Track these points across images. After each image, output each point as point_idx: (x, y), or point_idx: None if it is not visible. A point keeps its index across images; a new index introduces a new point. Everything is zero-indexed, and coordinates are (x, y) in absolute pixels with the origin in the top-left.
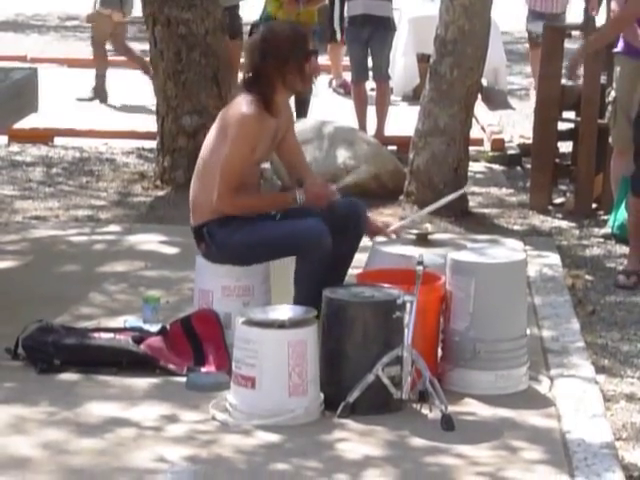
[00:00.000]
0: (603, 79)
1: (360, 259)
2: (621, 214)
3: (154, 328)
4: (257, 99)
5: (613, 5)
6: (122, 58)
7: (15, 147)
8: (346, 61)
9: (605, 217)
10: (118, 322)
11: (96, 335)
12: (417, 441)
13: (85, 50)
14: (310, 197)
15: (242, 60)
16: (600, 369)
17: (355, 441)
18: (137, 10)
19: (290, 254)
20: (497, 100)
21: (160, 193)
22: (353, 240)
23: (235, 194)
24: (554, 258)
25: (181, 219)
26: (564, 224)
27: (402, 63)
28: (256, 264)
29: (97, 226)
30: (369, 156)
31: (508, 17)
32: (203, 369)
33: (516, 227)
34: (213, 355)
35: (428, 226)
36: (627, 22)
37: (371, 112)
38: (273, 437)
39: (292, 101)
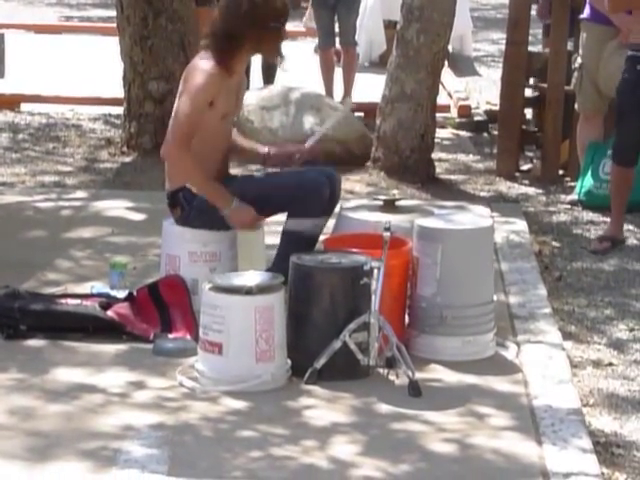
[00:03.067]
0: (569, 45)
1: (327, 225)
2: (587, 180)
3: (121, 294)
4: (217, 56)
5: None
6: (86, 24)
7: None
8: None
9: (572, 184)
10: (85, 288)
11: (63, 301)
12: (384, 407)
13: (52, 16)
14: (239, 213)
15: None
16: (567, 335)
17: (322, 407)
18: None
19: (288, 204)
20: (463, 67)
21: (127, 159)
22: (327, 211)
23: (182, 146)
24: (521, 224)
25: (148, 185)
26: (531, 190)
27: (369, 29)
28: None
29: (64, 192)
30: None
31: None
32: (170, 335)
33: (483, 193)
34: (180, 321)
35: (395, 192)
36: None
37: (338, 78)
38: (240, 404)
39: (259, 67)
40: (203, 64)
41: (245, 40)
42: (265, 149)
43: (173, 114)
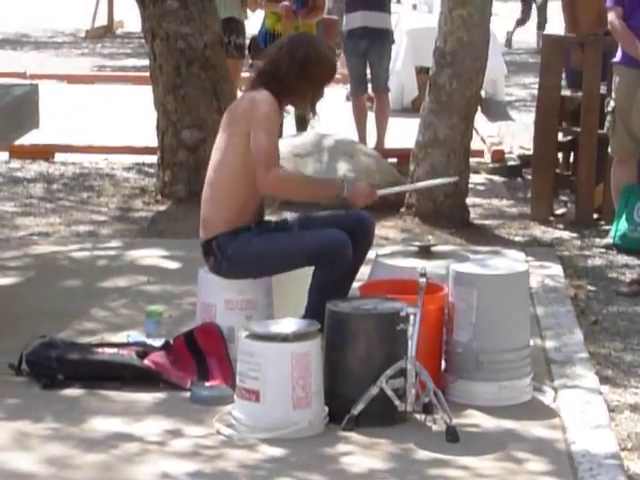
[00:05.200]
0: (602, 89)
1: (362, 272)
2: (622, 224)
3: (157, 343)
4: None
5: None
6: (119, 74)
7: (16, 163)
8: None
9: (606, 227)
10: (121, 337)
11: (99, 350)
12: (421, 453)
13: (85, 66)
14: (356, 192)
15: (242, 74)
16: (604, 379)
17: (359, 454)
18: (137, 25)
19: (312, 264)
20: (496, 111)
21: (161, 207)
22: (361, 252)
23: (275, 167)
24: (556, 269)
25: (182, 233)
26: (565, 234)
27: (401, 75)
28: (270, 275)
29: (98, 241)
30: (369, 168)
31: (507, 28)
32: (207, 383)
33: (517, 238)
34: (217, 369)
35: (430, 238)
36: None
37: (371, 125)
38: (277, 451)
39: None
40: (263, 94)
41: (287, 87)
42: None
43: (221, 161)
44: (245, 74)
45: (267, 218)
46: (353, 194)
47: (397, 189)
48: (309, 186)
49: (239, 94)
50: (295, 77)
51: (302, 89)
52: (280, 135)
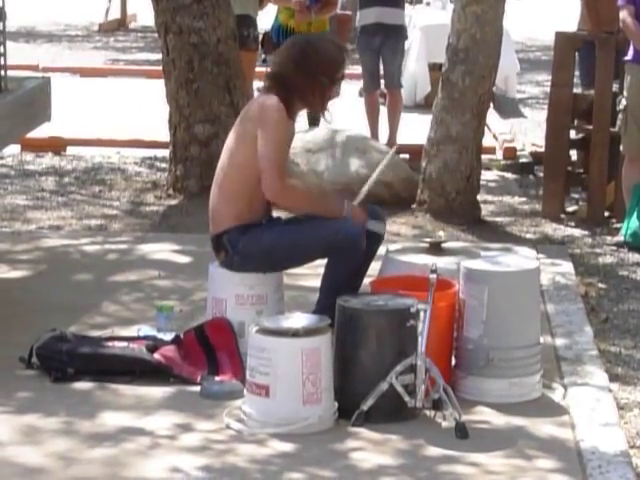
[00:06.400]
0: (614, 87)
1: (373, 268)
2: (633, 222)
3: (168, 337)
4: (278, 97)
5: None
6: (132, 67)
7: (27, 156)
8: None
9: (618, 225)
10: (132, 331)
11: (110, 344)
12: (431, 450)
13: (98, 60)
14: (353, 215)
15: (256, 69)
16: (613, 377)
17: (369, 450)
18: (150, 19)
19: (326, 255)
20: (508, 108)
21: (172, 202)
22: (371, 248)
23: (284, 180)
24: (567, 266)
25: (194, 228)
26: (577, 232)
27: (413, 71)
28: (284, 268)
29: (110, 235)
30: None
31: (520, 26)
32: (217, 378)
33: (529, 235)
34: (227, 364)
35: (441, 234)
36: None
37: (383, 120)
38: (287, 446)
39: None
40: (272, 100)
41: (291, 85)
42: None
43: (230, 160)
44: (259, 69)
45: (277, 214)
46: (354, 216)
47: (361, 195)
48: (312, 203)
49: (253, 87)
50: (294, 72)
51: (305, 85)
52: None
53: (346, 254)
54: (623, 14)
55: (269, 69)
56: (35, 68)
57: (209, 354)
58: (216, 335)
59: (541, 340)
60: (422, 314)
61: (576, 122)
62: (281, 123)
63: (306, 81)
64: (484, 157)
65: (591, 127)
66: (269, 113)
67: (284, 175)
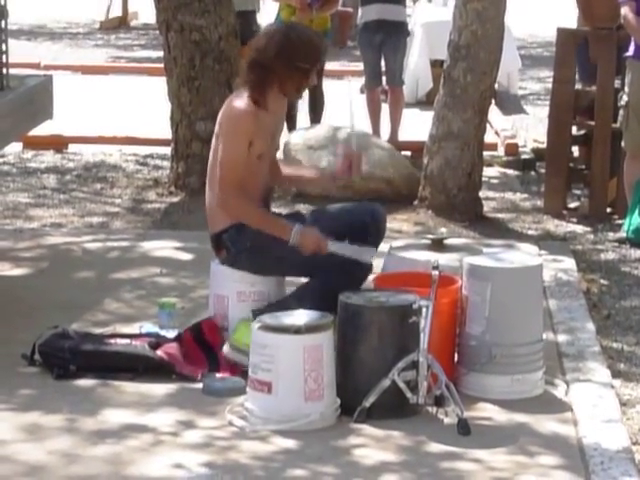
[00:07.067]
0: (616, 83)
1: (376, 264)
2: (635, 218)
3: (170, 334)
4: (250, 89)
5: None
6: (133, 65)
7: (29, 154)
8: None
9: (619, 221)
10: (134, 328)
11: (112, 341)
12: (433, 446)
13: (99, 57)
14: (303, 241)
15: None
16: (616, 373)
17: (371, 446)
18: (151, 17)
19: (311, 276)
20: (510, 105)
21: (174, 199)
22: (373, 245)
23: (237, 193)
24: (569, 262)
25: (195, 225)
26: (579, 228)
27: (415, 68)
28: (275, 276)
29: (111, 233)
30: (383, 161)
31: (521, 22)
32: (218, 375)
33: (531, 232)
34: (225, 361)
35: (443, 231)
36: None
37: (385, 117)
38: (289, 443)
39: (305, 107)
40: (237, 103)
41: (274, 74)
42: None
43: (214, 161)
44: None
45: (278, 211)
46: (300, 244)
47: (348, 252)
48: (259, 224)
49: None
50: (277, 60)
51: (283, 71)
52: (294, 127)
53: (352, 273)
54: (625, 10)
55: (248, 55)
56: (37, 66)
57: (208, 352)
58: (212, 334)
59: (543, 336)
60: (424, 310)
61: (578, 118)
62: (239, 135)
63: (286, 67)
64: (486, 153)
65: (593, 123)
66: (231, 122)
67: (232, 189)
